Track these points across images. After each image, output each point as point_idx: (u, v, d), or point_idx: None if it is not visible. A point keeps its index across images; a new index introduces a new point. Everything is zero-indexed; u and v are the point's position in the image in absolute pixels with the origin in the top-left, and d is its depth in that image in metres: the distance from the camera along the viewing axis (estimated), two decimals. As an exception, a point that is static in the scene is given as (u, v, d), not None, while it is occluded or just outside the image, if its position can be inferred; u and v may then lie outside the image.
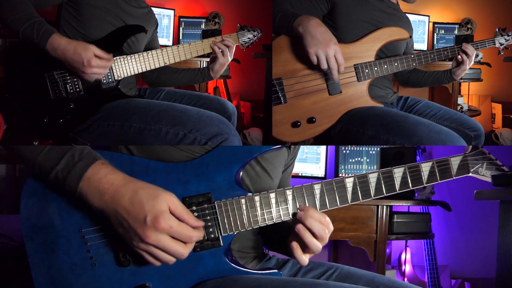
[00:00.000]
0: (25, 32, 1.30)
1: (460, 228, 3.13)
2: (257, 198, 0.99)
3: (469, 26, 3.45)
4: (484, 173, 1.07)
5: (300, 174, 2.70)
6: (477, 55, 3.35)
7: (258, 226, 1.00)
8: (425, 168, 1.05)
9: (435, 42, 3.58)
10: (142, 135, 1.32)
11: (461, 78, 3.26)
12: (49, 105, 1.41)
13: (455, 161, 1.06)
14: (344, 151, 2.73)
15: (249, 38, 1.72)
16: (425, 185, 1.05)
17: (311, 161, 2.71)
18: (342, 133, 1.49)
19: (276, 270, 1.02)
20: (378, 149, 2.69)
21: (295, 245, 0.99)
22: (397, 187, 1.04)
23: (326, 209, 1.02)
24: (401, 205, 2.46)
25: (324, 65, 1.38)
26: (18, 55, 1.43)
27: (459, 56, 1.59)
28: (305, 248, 0.99)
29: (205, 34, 3.13)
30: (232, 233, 0.99)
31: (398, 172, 1.04)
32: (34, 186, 0.97)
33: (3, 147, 1.02)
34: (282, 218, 1.00)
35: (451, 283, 2.96)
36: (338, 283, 0.96)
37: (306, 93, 1.46)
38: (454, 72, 1.65)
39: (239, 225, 0.99)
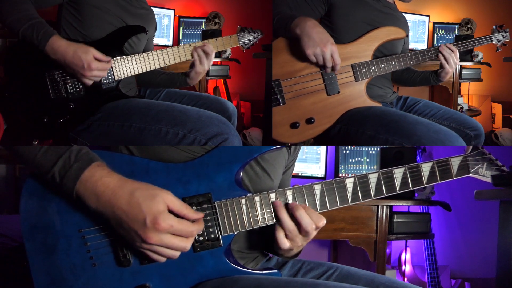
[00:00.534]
0: (25, 33, 1.30)
1: (460, 228, 3.13)
2: (257, 198, 1.00)
3: (469, 26, 3.45)
4: (484, 174, 1.07)
5: (300, 174, 2.70)
6: (477, 55, 3.36)
7: (258, 226, 1.00)
8: (426, 168, 1.05)
9: (435, 42, 3.58)
10: (142, 135, 1.32)
11: (461, 78, 3.29)
12: (49, 105, 1.41)
13: (455, 162, 1.06)
14: (344, 151, 2.73)
15: (249, 39, 1.72)
16: (426, 185, 1.06)
17: (311, 161, 2.71)
18: (342, 133, 1.49)
19: (276, 270, 1.02)
20: (378, 149, 2.69)
21: (276, 227, 0.99)
22: (397, 187, 1.04)
23: (326, 209, 1.02)
24: (401, 205, 2.46)
25: (321, 63, 1.39)
26: (18, 55, 1.43)
27: (440, 59, 1.56)
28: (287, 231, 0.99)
29: (205, 34, 3.13)
30: (232, 233, 0.99)
31: (398, 173, 1.04)
32: (34, 186, 0.97)
33: (3, 147, 1.02)
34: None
35: (451, 283, 2.96)
36: (338, 283, 0.96)
37: (304, 94, 1.46)
38: (439, 74, 1.62)
39: (239, 225, 0.99)
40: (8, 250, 1.60)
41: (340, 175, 2.72)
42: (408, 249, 3.00)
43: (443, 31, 3.59)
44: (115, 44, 1.46)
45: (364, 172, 1.05)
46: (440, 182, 1.06)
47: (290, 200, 1.01)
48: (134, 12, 1.54)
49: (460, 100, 3.37)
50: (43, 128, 1.42)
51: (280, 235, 0.99)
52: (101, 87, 1.43)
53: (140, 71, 1.50)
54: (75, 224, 0.96)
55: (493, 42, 1.68)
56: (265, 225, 1.00)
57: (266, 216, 1.00)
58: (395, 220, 2.35)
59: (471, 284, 2.92)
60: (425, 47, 3.57)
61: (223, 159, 1.00)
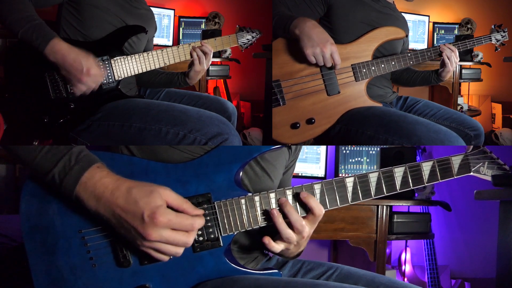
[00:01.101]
0: (24, 34, 1.30)
1: (460, 228, 3.13)
2: (257, 198, 0.99)
3: (469, 26, 3.45)
4: (485, 172, 1.07)
5: (300, 174, 2.70)
6: (477, 55, 3.36)
7: (258, 226, 1.00)
8: (426, 167, 1.05)
9: (435, 42, 3.58)
10: (142, 135, 1.32)
11: (461, 78, 3.29)
12: (49, 105, 1.41)
13: (456, 160, 1.06)
14: (344, 151, 2.73)
15: (248, 39, 1.72)
16: (426, 184, 1.05)
17: (311, 161, 2.71)
18: (342, 133, 1.49)
19: (276, 270, 1.02)
20: (378, 149, 2.69)
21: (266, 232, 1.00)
22: (398, 186, 1.04)
23: (326, 209, 1.02)
24: (401, 205, 2.46)
25: (321, 63, 1.39)
26: (18, 55, 1.43)
27: (443, 57, 1.56)
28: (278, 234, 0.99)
29: (205, 34, 3.13)
30: (232, 233, 0.99)
31: (398, 172, 1.04)
32: (34, 187, 0.97)
33: (3, 147, 1.02)
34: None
35: (451, 283, 2.96)
36: (338, 283, 0.96)
37: (304, 94, 1.46)
38: (440, 74, 1.62)
39: (239, 225, 0.99)
40: (8, 250, 1.60)
41: (340, 175, 2.72)
42: (408, 249, 3.00)
43: (443, 31, 3.59)
44: (115, 44, 1.46)
45: (364, 172, 1.05)
46: (440, 181, 1.06)
47: (290, 200, 1.00)
48: (134, 12, 1.54)
49: (460, 100, 3.37)
50: (43, 128, 1.42)
51: (268, 239, 0.99)
52: (101, 87, 1.42)
53: (140, 71, 1.50)
54: (75, 225, 0.96)
55: (492, 42, 1.69)
56: (265, 225, 1.00)
57: (266, 216, 1.00)
58: (395, 220, 2.35)
59: (471, 284, 2.92)
60: (425, 47, 3.56)
61: (222, 159, 1.00)
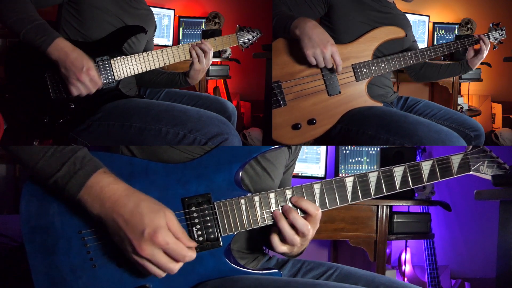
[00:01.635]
0: (27, 34, 1.30)
1: (460, 228, 3.13)
2: (256, 198, 0.99)
3: (469, 26, 3.45)
4: (485, 171, 1.07)
5: (300, 174, 2.70)
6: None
7: (258, 226, 1.00)
8: (426, 166, 1.05)
9: (435, 42, 3.58)
10: (142, 135, 1.32)
11: (461, 78, 3.29)
12: (50, 105, 1.41)
13: (455, 159, 1.06)
14: (344, 151, 2.73)
15: (248, 39, 1.72)
16: (426, 183, 1.05)
17: (311, 161, 2.71)
18: (342, 133, 1.49)
19: (276, 270, 1.02)
20: (378, 149, 2.69)
21: (271, 233, 0.99)
22: (398, 186, 1.04)
23: (326, 209, 1.02)
24: (401, 205, 2.46)
25: (321, 65, 1.39)
26: (19, 55, 1.43)
27: (477, 45, 1.66)
28: (283, 236, 0.99)
29: (205, 34, 3.13)
30: (232, 233, 0.99)
31: (398, 171, 1.04)
32: (34, 187, 0.97)
33: (3, 148, 1.01)
34: (282, 218, 1.00)
35: (451, 283, 2.96)
36: (338, 283, 0.96)
37: (305, 95, 1.46)
38: (472, 62, 1.71)
39: (239, 226, 0.99)
40: (8, 250, 1.60)
41: (340, 175, 2.72)
42: (408, 249, 3.00)
43: (443, 31, 3.59)
44: (115, 44, 1.46)
45: (363, 172, 1.05)
46: (440, 180, 1.05)
47: (289, 199, 1.00)
48: (133, 12, 1.54)
49: (460, 100, 3.37)
50: (43, 128, 1.42)
51: (275, 240, 0.99)
52: (101, 87, 1.42)
53: (140, 71, 1.50)
54: (75, 225, 0.96)
55: (490, 40, 1.70)
56: (265, 225, 1.00)
57: (265, 216, 1.00)
58: (395, 220, 2.35)
59: (471, 284, 2.92)
60: (425, 47, 3.56)
61: (222, 159, 1.00)
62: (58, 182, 0.91)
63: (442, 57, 3.14)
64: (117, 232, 0.90)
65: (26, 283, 0.98)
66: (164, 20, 3.42)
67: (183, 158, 1.02)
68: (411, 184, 1.04)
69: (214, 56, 1.63)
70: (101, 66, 1.42)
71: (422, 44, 3.58)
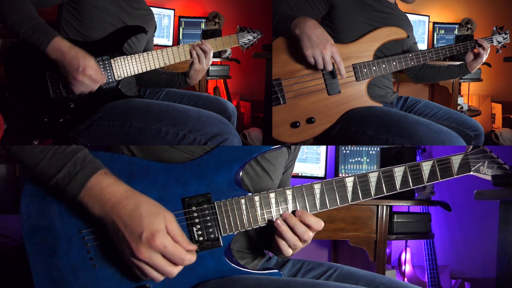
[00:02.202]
0: (26, 34, 1.30)
1: (460, 228, 3.13)
2: (257, 198, 0.99)
3: (469, 26, 3.45)
4: (485, 172, 1.07)
5: (300, 174, 2.70)
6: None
7: (258, 226, 1.00)
8: (426, 167, 1.05)
9: (435, 42, 3.58)
10: (142, 135, 1.32)
11: (461, 78, 3.29)
12: (49, 104, 1.41)
13: (456, 160, 1.06)
14: (344, 151, 2.73)
15: (248, 39, 1.73)
16: (426, 184, 1.05)
17: (311, 161, 2.71)
18: (342, 133, 1.49)
19: (276, 270, 1.02)
20: (378, 149, 2.69)
21: (278, 238, 1.00)
22: (398, 186, 1.04)
23: (326, 209, 1.02)
24: (401, 205, 2.46)
25: (320, 67, 1.39)
26: (19, 55, 1.43)
27: (476, 49, 1.65)
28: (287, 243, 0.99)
29: (205, 34, 3.13)
30: (232, 233, 0.99)
31: (398, 171, 1.04)
32: (34, 187, 0.97)
33: (3, 148, 1.01)
34: (282, 218, 1.00)
35: (451, 283, 2.96)
36: (338, 283, 0.96)
37: (305, 94, 1.46)
38: (471, 65, 1.70)
39: (239, 225, 0.99)
40: (8, 250, 1.60)
41: (340, 175, 2.72)
42: (408, 249, 3.00)
43: (443, 31, 3.59)
44: (115, 44, 1.46)
45: (364, 172, 1.05)
46: (440, 180, 1.05)
47: (290, 199, 1.00)
48: (133, 12, 1.54)
49: (460, 100, 3.37)
50: (43, 128, 1.42)
51: (284, 245, 0.99)
52: (101, 87, 1.42)
53: (140, 71, 1.50)
54: (75, 225, 0.96)
55: (493, 44, 1.69)
56: (265, 225, 1.00)
57: (266, 216, 1.00)
58: (395, 220, 2.35)
59: (471, 284, 2.92)
60: (425, 47, 3.57)
61: (222, 159, 1.00)
62: (59, 183, 0.91)
63: (443, 58, 3.14)
64: (116, 234, 0.90)
65: (26, 283, 0.98)
66: (164, 20, 3.42)
67: (183, 158, 1.02)
68: (411, 185, 1.04)
69: (214, 56, 1.63)
70: (101, 66, 1.42)
71: (422, 44, 3.58)
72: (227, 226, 0.98)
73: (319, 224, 0.99)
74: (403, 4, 1.71)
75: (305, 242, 1.00)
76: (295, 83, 1.45)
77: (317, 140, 1.54)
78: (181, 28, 3.45)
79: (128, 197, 0.90)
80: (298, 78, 1.46)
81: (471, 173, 1.07)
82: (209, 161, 1.00)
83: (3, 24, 1.33)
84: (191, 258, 0.91)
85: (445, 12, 3.70)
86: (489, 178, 1.08)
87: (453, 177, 1.06)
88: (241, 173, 1.02)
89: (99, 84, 1.37)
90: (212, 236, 0.98)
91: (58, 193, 0.94)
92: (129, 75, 1.48)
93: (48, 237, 0.95)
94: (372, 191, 1.03)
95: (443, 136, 1.35)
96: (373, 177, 1.03)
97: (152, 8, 1.68)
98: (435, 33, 3.59)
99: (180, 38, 3.45)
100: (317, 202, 1.01)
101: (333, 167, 2.76)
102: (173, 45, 3.29)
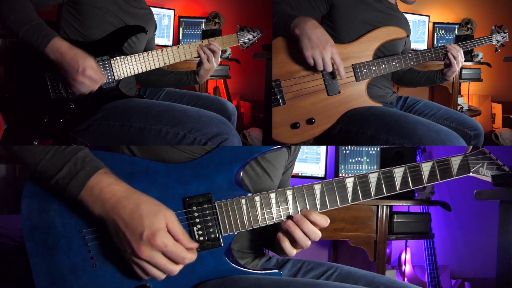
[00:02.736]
0: (25, 34, 1.30)
1: (460, 228, 3.13)
2: (257, 198, 1.00)
3: (469, 26, 3.45)
4: (484, 173, 1.07)
5: (300, 174, 2.70)
6: (477, 55, 3.36)
7: (258, 226, 1.00)
8: (426, 168, 1.05)
9: (435, 42, 3.58)
10: (142, 135, 1.32)
11: (461, 78, 3.29)
12: (49, 104, 1.41)
13: (455, 161, 1.06)
14: (344, 151, 2.73)
15: (248, 39, 1.72)
16: (426, 185, 1.05)
17: (311, 161, 2.71)
18: (342, 133, 1.49)
19: (276, 270, 1.02)
20: (378, 149, 2.69)
21: (281, 235, 1.00)
22: (398, 187, 1.04)
23: (327, 209, 1.02)
24: (401, 205, 2.46)
25: (320, 68, 1.39)
26: (18, 55, 1.43)
27: (446, 59, 1.58)
28: (293, 242, 1.00)
29: (205, 34, 3.13)
30: (232, 233, 0.99)
31: (398, 172, 1.04)
32: (34, 187, 0.97)
33: (4, 148, 1.01)
34: (283, 218, 1.00)
35: (451, 283, 2.96)
36: (338, 283, 0.96)
37: (304, 94, 1.46)
38: (445, 73, 1.64)
39: (240, 225, 0.99)
40: (8, 250, 1.60)
41: (340, 175, 2.72)
42: (408, 249, 3.00)
43: (443, 31, 3.59)
44: (115, 44, 1.46)
45: (364, 172, 1.05)
46: (440, 181, 1.06)
47: (290, 199, 1.01)
48: (133, 12, 1.54)
49: (460, 100, 3.37)
50: (43, 128, 1.42)
51: (287, 245, 1.00)
52: (101, 87, 1.42)
53: (140, 71, 1.50)
54: (76, 225, 0.96)
55: (493, 43, 1.69)
56: (265, 225, 1.00)
57: (266, 216, 1.00)
58: (395, 220, 2.35)
59: (471, 284, 2.92)
60: (425, 47, 3.56)
61: (223, 159, 1.00)
62: (59, 182, 0.91)
63: (442, 58, 3.14)
64: (116, 233, 0.90)
65: (26, 283, 0.98)
66: (164, 20, 3.42)
67: (184, 158, 1.02)
68: (411, 185, 1.04)
69: (213, 56, 1.63)
70: (101, 66, 1.42)
71: (422, 44, 3.58)
72: (227, 226, 0.99)
73: (324, 219, 0.99)
74: (403, 4, 1.71)
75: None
76: (294, 83, 1.45)
77: (317, 141, 1.54)
78: (181, 28, 3.45)
79: (129, 196, 0.90)
80: (297, 79, 1.46)
81: (471, 174, 1.07)
82: (209, 161, 1.00)
83: (3, 24, 1.33)
84: (191, 256, 0.91)
85: (445, 12, 3.70)
86: (488, 179, 1.08)
87: (452, 178, 1.06)
88: (241, 173, 1.02)
89: (99, 84, 1.37)
90: (213, 236, 0.98)
91: (58, 193, 0.94)
92: (129, 75, 1.48)
93: (49, 237, 0.96)
94: (372, 192, 1.03)
95: (443, 136, 1.35)
96: (373, 178, 1.03)
97: (152, 8, 1.68)
98: (435, 33, 3.59)
99: (180, 38, 3.45)
100: (317, 202, 1.01)
101: (333, 167, 2.76)
102: (173, 45, 3.29)
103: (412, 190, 2.40)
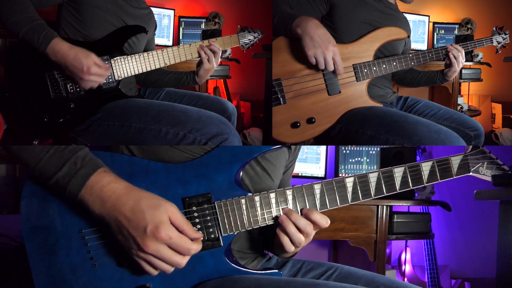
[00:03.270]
0: (25, 35, 1.30)
1: (460, 228, 3.13)
2: (257, 198, 1.00)
3: (469, 26, 3.45)
4: (484, 173, 1.07)
5: (300, 174, 2.70)
6: (477, 55, 3.36)
7: (258, 226, 1.00)
8: (426, 167, 1.05)
9: (435, 42, 3.58)
10: (142, 135, 1.32)
11: (461, 78, 3.29)
12: (49, 104, 1.41)
13: (455, 161, 1.06)
14: (344, 151, 2.73)
15: (249, 39, 1.73)
16: (426, 184, 1.05)
17: (311, 161, 2.71)
18: (342, 133, 1.49)
19: (276, 270, 1.02)
20: (378, 149, 2.69)
21: (279, 231, 1.00)
22: (398, 186, 1.04)
23: (326, 209, 1.02)
24: (401, 205, 2.46)
25: (322, 67, 1.39)
26: (19, 55, 1.43)
27: (447, 59, 1.59)
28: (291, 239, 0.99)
29: (205, 34, 3.13)
30: (232, 233, 0.99)
31: (398, 172, 1.04)
32: (34, 187, 0.97)
33: (3, 148, 1.01)
34: (282, 218, 1.00)
35: (451, 283, 2.96)
36: (338, 283, 0.96)
37: (305, 94, 1.46)
38: (446, 74, 1.64)
39: (239, 225, 0.99)
40: (8, 250, 1.60)
41: (340, 175, 2.72)
42: (408, 249, 3.00)
43: (443, 31, 3.59)
44: (115, 44, 1.46)
45: (364, 172, 1.05)
46: (440, 181, 1.06)
47: (290, 199, 1.01)
48: (133, 12, 1.54)
49: (460, 100, 3.37)
50: (43, 128, 1.42)
51: (286, 241, 0.99)
52: (101, 87, 1.43)
53: (140, 71, 1.50)
54: (76, 225, 0.96)
55: (493, 44, 1.69)
56: (265, 225, 1.00)
57: (266, 216, 1.00)
58: (395, 220, 2.35)
59: (471, 284, 2.92)
60: (425, 47, 3.57)
61: (223, 159, 1.00)
62: (59, 182, 0.91)
63: (443, 58, 3.14)
64: (120, 231, 0.90)
65: (26, 283, 0.98)
66: (164, 20, 3.42)
67: (184, 158, 1.02)
68: (411, 185, 1.04)
69: (214, 56, 1.63)
70: (105, 61, 1.42)
71: (422, 44, 3.58)
72: (227, 226, 0.98)
73: (324, 220, 0.99)
74: (403, 4, 1.71)
75: (308, 237, 1.00)
76: (295, 83, 1.45)
77: (317, 140, 1.54)
78: (181, 28, 3.45)
79: (128, 193, 0.90)
80: (298, 78, 1.46)
81: (471, 173, 1.07)
82: (209, 161, 1.00)
83: (3, 24, 1.33)
84: (197, 247, 0.92)
85: (445, 12, 3.70)
86: (488, 179, 1.08)
87: (452, 178, 1.06)
88: (241, 173, 1.02)
89: (107, 75, 1.39)
90: (213, 236, 0.98)
91: (58, 192, 0.94)
92: (129, 75, 1.48)
93: (48, 237, 0.96)
94: (372, 192, 1.03)
95: (443, 136, 1.35)
96: (373, 178, 1.03)
97: (152, 8, 1.68)
98: (435, 33, 3.59)
99: (180, 38, 3.45)
100: (317, 202, 1.01)
101: (333, 167, 2.76)
102: (173, 45, 3.29)
103: (412, 190, 2.40)
